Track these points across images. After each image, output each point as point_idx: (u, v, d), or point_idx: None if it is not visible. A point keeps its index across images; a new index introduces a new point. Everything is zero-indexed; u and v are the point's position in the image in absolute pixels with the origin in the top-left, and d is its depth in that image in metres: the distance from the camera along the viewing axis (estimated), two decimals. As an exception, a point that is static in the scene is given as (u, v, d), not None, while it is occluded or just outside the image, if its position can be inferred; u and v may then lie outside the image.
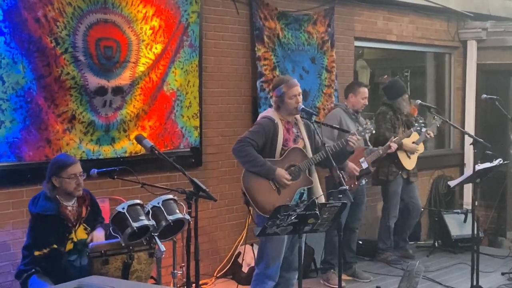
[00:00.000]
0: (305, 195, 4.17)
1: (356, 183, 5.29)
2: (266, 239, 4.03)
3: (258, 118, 4.25)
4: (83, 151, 4.51)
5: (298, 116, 4.20)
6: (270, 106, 5.52)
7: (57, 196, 3.68)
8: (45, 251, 3.56)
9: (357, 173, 5.22)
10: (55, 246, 3.56)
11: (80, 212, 3.77)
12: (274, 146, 4.06)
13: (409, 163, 6.00)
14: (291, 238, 4.10)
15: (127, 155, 4.74)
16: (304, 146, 4.18)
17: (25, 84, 4.20)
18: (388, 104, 6.06)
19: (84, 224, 3.77)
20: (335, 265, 5.41)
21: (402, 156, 5.95)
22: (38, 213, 3.61)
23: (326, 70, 6.24)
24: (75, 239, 3.70)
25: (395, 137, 5.68)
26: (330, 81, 6.26)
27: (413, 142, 5.94)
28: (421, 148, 6.05)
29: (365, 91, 5.46)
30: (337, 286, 5.23)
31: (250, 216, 4.16)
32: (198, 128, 5.26)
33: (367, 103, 5.51)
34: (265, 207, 4.01)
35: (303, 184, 4.16)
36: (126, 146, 4.74)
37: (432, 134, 5.97)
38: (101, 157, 4.60)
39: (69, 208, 3.71)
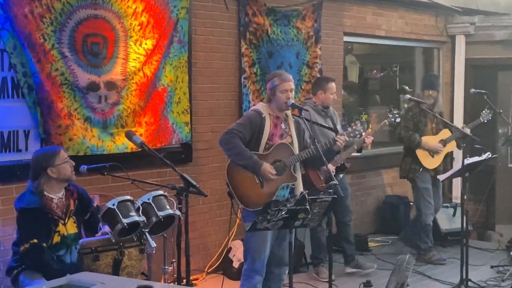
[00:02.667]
0: (286, 193, 4.16)
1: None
2: (251, 235, 4.03)
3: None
4: (87, 147, 4.51)
5: (289, 113, 4.20)
6: (249, 102, 5.57)
7: (44, 192, 3.65)
8: (26, 246, 3.54)
9: (333, 172, 5.13)
10: (35, 240, 3.53)
11: (68, 204, 3.75)
12: (259, 140, 4.05)
13: (431, 162, 5.82)
14: (277, 232, 4.09)
15: (128, 150, 4.73)
16: (291, 143, 4.17)
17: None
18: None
19: (74, 217, 3.76)
20: (323, 259, 5.45)
21: (420, 153, 5.85)
22: (22, 207, 3.60)
23: (307, 66, 6.24)
24: (64, 233, 3.68)
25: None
26: (310, 77, 6.24)
27: (441, 140, 5.79)
28: (450, 147, 5.86)
29: (333, 86, 5.33)
30: (327, 280, 5.31)
31: (233, 209, 4.12)
32: (189, 124, 5.26)
33: (336, 97, 5.43)
34: (247, 200, 4.02)
35: (287, 180, 4.15)
36: (126, 142, 4.70)
37: (468, 131, 5.72)
38: (105, 152, 4.60)
39: (55, 200, 3.68)
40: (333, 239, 5.37)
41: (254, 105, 5.05)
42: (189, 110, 5.26)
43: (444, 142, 5.83)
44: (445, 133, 5.89)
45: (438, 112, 5.86)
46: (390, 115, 5.34)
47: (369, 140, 5.26)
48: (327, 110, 5.38)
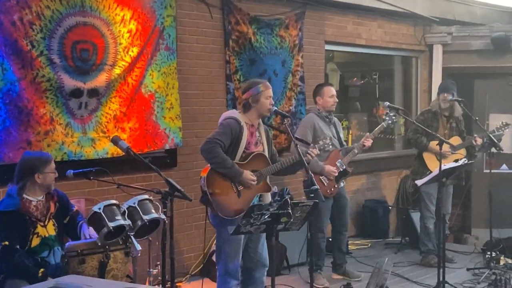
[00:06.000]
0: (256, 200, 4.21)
1: (336, 186, 5.36)
2: (223, 240, 4.08)
3: (222, 118, 4.23)
4: (65, 152, 4.55)
5: (260, 121, 4.26)
6: (234, 107, 5.65)
7: (23, 194, 3.70)
8: None
9: (335, 174, 5.30)
10: (6, 242, 3.56)
11: (49, 207, 3.80)
12: (236, 148, 4.10)
13: (437, 166, 5.63)
14: (248, 238, 4.13)
15: (109, 156, 4.78)
16: (263, 151, 4.23)
17: (4, 86, 4.23)
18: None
19: (53, 220, 3.81)
20: (321, 266, 5.50)
21: (427, 157, 5.96)
22: (0, 211, 3.63)
23: (291, 74, 6.36)
24: (44, 234, 3.72)
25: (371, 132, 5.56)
26: (292, 84, 6.36)
27: (451, 146, 5.78)
28: (459, 154, 5.86)
29: (330, 89, 5.42)
30: (323, 286, 5.37)
31: (207, 217, 4.17)
32: (181, 129, 5.33)
33: (336, 100, 5.47)
34: (224, 208, 4.05)
35: (263, 190, 4.21)
36: (107, 147, 4.79)
37: (479, 141, 5.82)
38: (82, 158, 4.64)
39: (34, 203, 3.72)
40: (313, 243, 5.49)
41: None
42: (181, 116, 5.33)
43: (454, 149, 5.87)
44: (456, 140, 5.95)
45: (456, 117, 6.00)
46: (387, 118, 5.46)
47: (368, 142, 5.39)
48: (331, 117, 5.47)
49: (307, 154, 4.29)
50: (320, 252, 5.47)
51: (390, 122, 5.55)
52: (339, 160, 5.38)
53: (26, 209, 3.68)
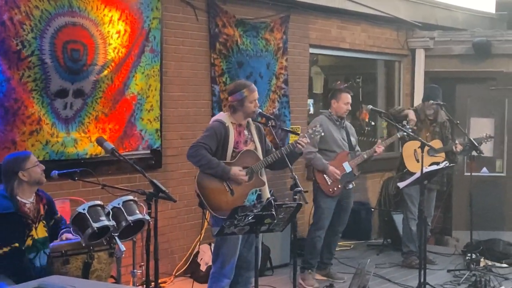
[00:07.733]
0: (254, 197, 4.27)
1: (339, 186, 5.38)
2: (222, 239, 4.13)
3: (210, 122, 4.36)
4: (47, 152, 4.55)
5: (250, 119, 4.33)
6: (220, 109, 5.70)
7: (17, 196, 3.69)
8: (5, 249, 3.56)
9: (338, 177, 5.33)
10: (16, 244, 3.57)
11: (39, 209, 3.79)
12: (225, 149, 4.18)
13: (414, 165, 5.82)
14: (247, 237, 4.22)
15: (87, 156, 4.79)
16: (255, 148, 4.30)
17: None
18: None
19: (43, 222, 3.81)
20: (314, 265, 5.51)
21: (406, 154, 6.00)
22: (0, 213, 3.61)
23: (275, 77, 6.41)
24: (35, 236, 3.72)
25: (382, 140, 5.68)
26: (276, 87, 6.42)
27: (430, 149, 5.76)
28: (438, 157, 5.92)
29: (347, 96, 5.43)
30: (312, 287, 5.38)
31: (206, 218, 4.25)
32: (159, 131, 5.35)
33: (350, 108, 5.48)
34: (219, 208, 4.12)
35: (256, 185, 4.27)
36: (87, 148, 4.80)
37: (459, 148, 5.89)
38: (63, 158, 4.64)
39: (28, 205, 3.72)
40: (296, 244, 5.51)
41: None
42: (159, 118, 5.35)
43: (434, 151, 5.89)
44: (436, 144, 6.00)
45: (441, 122, 6.08)
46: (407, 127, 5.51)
47: (379, 149, 5.45)
48: (342, 121, 5.49)
49: (297, 144, 4.34)
50: (314, 250, 5.47)
51: (405, 133, 5.56)
52: (346, 162, 5.41)
53: (23, 211, 3.67)
